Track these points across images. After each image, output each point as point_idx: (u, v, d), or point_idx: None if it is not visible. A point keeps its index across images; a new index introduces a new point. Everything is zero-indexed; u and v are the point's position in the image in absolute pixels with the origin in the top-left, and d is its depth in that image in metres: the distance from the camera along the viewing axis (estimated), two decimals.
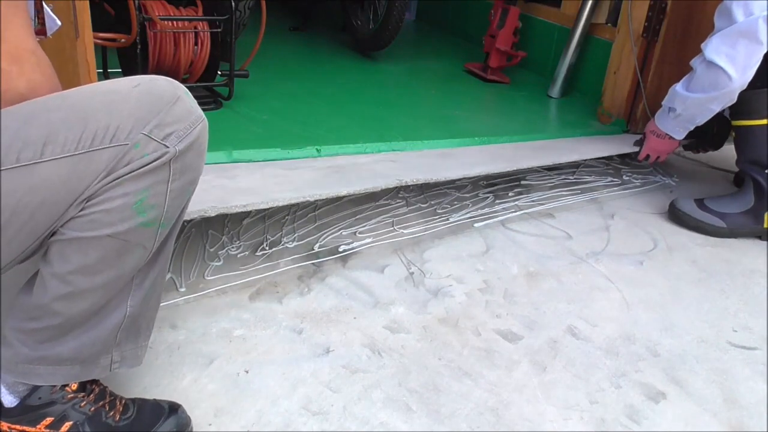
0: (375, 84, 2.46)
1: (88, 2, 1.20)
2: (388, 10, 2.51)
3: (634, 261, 1.62)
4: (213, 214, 1.25)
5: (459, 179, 1.93)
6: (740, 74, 1.56)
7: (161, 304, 1.04)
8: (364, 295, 1.37)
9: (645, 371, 1.22)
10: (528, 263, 1.55)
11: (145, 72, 1.72)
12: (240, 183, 1.42)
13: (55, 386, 0.88)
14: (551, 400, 1.13)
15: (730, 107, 1.71)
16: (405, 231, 1.63)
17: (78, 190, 0.74)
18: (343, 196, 1.65)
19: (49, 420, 0.87)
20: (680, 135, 1.85)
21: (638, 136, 2.07)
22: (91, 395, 0.90)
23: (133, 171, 0.75)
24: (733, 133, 1.82)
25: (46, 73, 0.78)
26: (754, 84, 1.61)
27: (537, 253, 1.61)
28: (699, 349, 1.31)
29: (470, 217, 1.74)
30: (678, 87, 1.72)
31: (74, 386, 0.89)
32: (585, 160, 2.16)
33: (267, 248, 1.48)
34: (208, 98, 1.88)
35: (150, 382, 1.06)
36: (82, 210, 0.76)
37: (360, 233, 1.59)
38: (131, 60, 1.74)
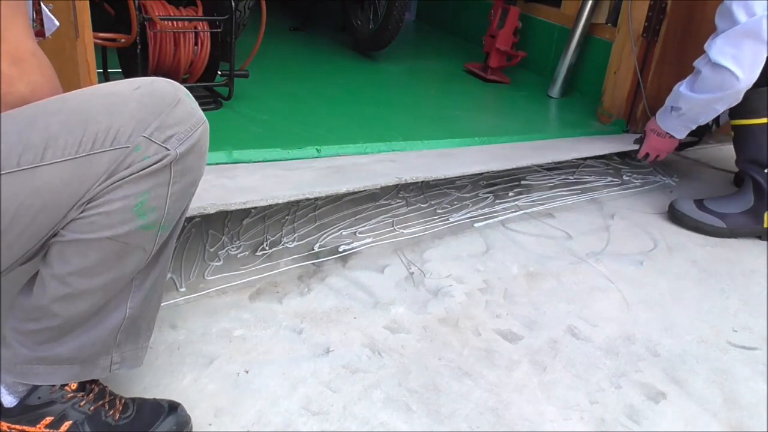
0: (375, 84, 2.46)
1: (88, 2, 1.20)
2: (388, 10, 2.51)
3: (634, 261, 1.62)
4: (212, 211, 1.25)
5: (459, 178, 1.93)
6: (747, 74, 1.56)
7: (161, 304, 1.04)
8: (364, 295, 1.37)
9: (645, 371, 1.22)
10: (528, 263, 1.55)
11: (145, 72, 1.72)
12: (240, 182, 1.42)
13: (54, 386, 0.88)
14: (551, 400, 1.13)
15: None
16: (405, 231, 1.63)
17: (79, 193, 0.74)
18: (343, 195, 1.66)
19: (48, 419, 0.87)
20: (682, 134, 1.85)
21: (638, 136, 2.07)
22: (91, 394, 0.90)
23: (134, 174, 0.75)
24: (732, 133, 1.82)
25: (47, 75, 0.78)
26: (753, 83, 1.61)
27: (537, 253, 1.61)
28: (699, 349, 1.31)
29: (470, 217, 1.74)
30: (682, 88, 1.72)
31: (74, 386, 0.89)
32: (585, 159, 2.16)
33: (267, 248, 1.48)
34: (208, 98, 1.88)
35: (150, 382, 1.06)
36: (82, 212, 0.76)
37: (360, 233, 1.59)
38: (131, 60, 1.74)
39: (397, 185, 1.75)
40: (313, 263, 1.46)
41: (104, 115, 0.74)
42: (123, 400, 0.93)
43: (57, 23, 0.94)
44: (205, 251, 1.45)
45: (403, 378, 1.14)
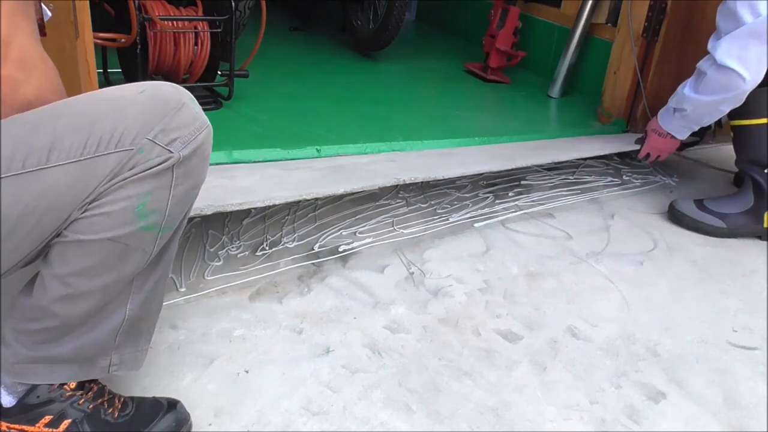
0: (375, 84, 2.46)
1: (88, 2, 1.20)
2: (388, 10, 2.51)
3: (634, 261, 1.62)
4: (210, 212, 1.25)
5: (458, 179, 1.93)
6: (753, 75, 1.55)
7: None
8: (364, 295, 1.37)
9: (645, 371, 1.22)
10: (528, 263, 1.55)
11: (145, 72, 1.72)
12: (239, 183, 1.41)
13: (53, 385, 0.88)
14: (551, 400, 1.13)
15: None
16: (405, 231, 1.63)
17: (83, 195, 0.75)
18: (343, 195, 1.65)
19: (47, 418, 0.87)
20: (684, 135, 1.84)
21: (638, 136, 2.07)
22: (90, 393, 0.90)
23: (137, 174, 0.76)
24: (732, 133, 1.82)
25: (53, 80, 0.79)
26: None
27: (537, 253, 1.61)
28: (699, 349, 1.31)
29: (470, 217, 1.74)
30: (686, 90, 1.70)
31: (72, 384, 0.89)
32: (585, 159, 2.16)
33: (267, 248, 1.48)
34: (208, 98, 1.88)
35: (150, 382, 1.06)
36: (84, 212, 0.76)
37: (360, 233, 1.59)
38: (131, 60, 1.74)
39: (397, 185, 1.75)
40: (313, 263, 1.46)
41: (109, 117, 0.75)
42: (122, 399, 0.93)
43: (50, 13, 0.95)
44: (205, 251, 1.45)
45: (403, 378, 1.14)
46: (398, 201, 1.78)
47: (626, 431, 1.08)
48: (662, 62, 2.13)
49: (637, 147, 2.00)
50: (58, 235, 0.78)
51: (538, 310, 1.38)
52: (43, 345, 0.85)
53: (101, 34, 1.67)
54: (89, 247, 0.78)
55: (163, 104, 0.78)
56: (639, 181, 2.11)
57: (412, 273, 1.46)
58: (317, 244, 1.52)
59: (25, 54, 0.74)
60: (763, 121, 1.69)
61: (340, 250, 1.51)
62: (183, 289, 1.31)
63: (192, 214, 1.22)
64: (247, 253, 1.46)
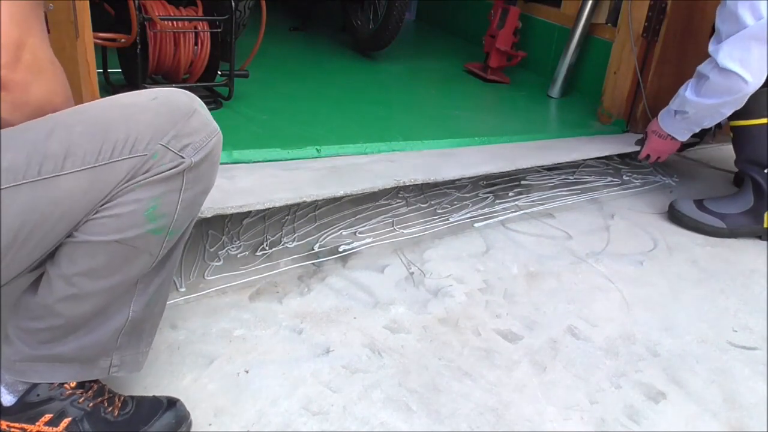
0: (375, 84, 2.46)
1: (88, 2, 1.20)
2: (388, 10, 2.51)
3: (634, 261, 1.62)
4: (209, 215, 1.25)
5: (458, 179, 1.93)
6: (756, 77, 1.55)
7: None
8: (364, 295, 1.37)
9: (645, 371, 1.22)
10: (528, 263, 1.55)
11: (144, 72, 1.72)
12: (238, 184, 1.41)
13: (53, 383, 0.88)
14: (551, 400, 1.13)
15: None
16: (405, 231, 1.63)
17: (98, 199, 0.76)
18: (342, 197, 1.65)
19: (47, 417, 0.87)
20: (684, 137, 1.84)
21: (638, 136, 2.07)
22: (90, 392, 0.90)
23: (148, 178, 0.77)
24: (731, 134, 1.82)
25: (62, 83, 0.80)
26: None
27: (537, 253, 1.61)
28: (699, 349, 1.31)
29: (470, 217, 1.74)
30: (688, 93, 1.70)
31: (73, 383, 0.89)
32: (585, 159, 2.16)
33: (267, 248, 1.48)
34: (208, 98, 1.88)
35: (150, 383, 1.06)
36: (95, 213, 0.77)
37: (360, 233, 1.59)
38: (131, 60, 1.74)
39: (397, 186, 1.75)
40: (313, 263, 1.46)
41: (123, 124, 0.76)
42: (122, 397, 0.94)
43: (51, 6, 0.96)
44: (205, 251, 1.45)
45: (403, 378, 1.14)
46: (398, 201, 1.78)
47: (626, 431, 1.08)
48: (662, 62, 2.13)
49: (638, 148, 2.00)
50: (68, 236, 0.78)
51: (538, 310, 1.38)
52: (45, 344, 0.85)
53: (101, 34, 1.66)
54: (97, 248, 0.79)
55: (175, 111, 0.79)
56: (639, 181, 2.11)
57: (412, 273, 1.46)
58: (317, 244, 1.52)
59: (36, 57, 0.74)
60: (763, 121, 1.69)
61: (340, 250, 1.51)
62: (183, 289, 1.31)
63: None
64: (247, 253, 1.46)
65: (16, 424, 0.87)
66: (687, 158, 2.35)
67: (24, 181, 0.71)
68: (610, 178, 2.10)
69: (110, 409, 0.91)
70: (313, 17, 3.30)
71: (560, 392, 1.15)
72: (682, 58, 2.12)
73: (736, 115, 1.73)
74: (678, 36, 2.11)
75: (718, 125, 1.91)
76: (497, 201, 1.85)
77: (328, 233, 1.57)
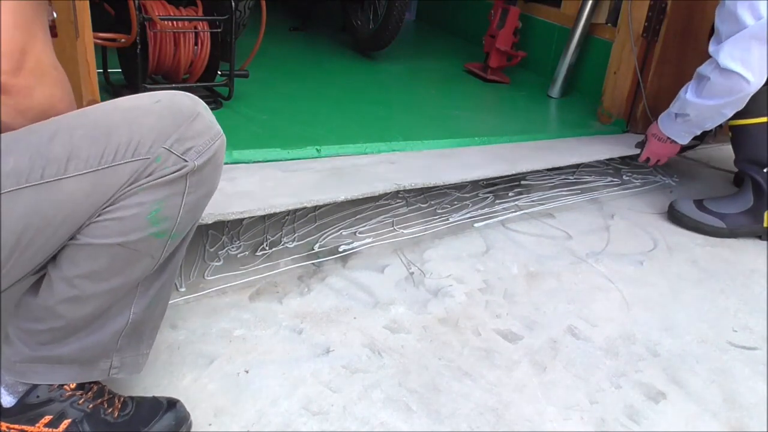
0: (375, 84, 2.46)
1: (88, 2, 1.20)
2: (388, 10, 2.51)
3: (634, 261, 1.62)
4: (210, 222, 1.25)
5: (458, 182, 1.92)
6: (757, 77, 1.55)
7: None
8: (364, 295, 1.37)
9: (645, 371, 1.22)
10: (528, 263, 1.55)
11: (144, 72, 1.72)
12: (239, 186, 1.41)
13: (53, 384, 0.88)
14: (551, 400, 1.13)
15: None
16: (405, 231, 1.63)
17: (101, 203, 0.76)
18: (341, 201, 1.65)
19: (47, 418, 0.87)
20: (685, 140, 1.84)
21: (638, 136, 2.07)
22: (90, 393, 0.90)
23: (152, 182, 0.77)
24: (730, 133, 1.82)
25: (65, 89, 0.80)
26: None
27: (537, 253, 1.61)
28: (699, 349, 1.31)
29: (470, 217, 1.74)
30: (688, 96, 1.69)
31: (72, 384, 0.89)
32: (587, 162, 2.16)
33: (267, 248, 1.48)
34: (208, 98, 1.88)
35: (150, 383, 1.06)
36: (98, 216, 0.77)
37: (360, 233, 1.59)
38: (131, 60, 1.74)
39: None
40: (313, 263, 1.46)
41: (126, 127, 0.76)
42: (122, 398, 0.94)
43: (54, 14, 0.96)
44: (205, 251, 1.45)
45: (403, 378, 1.14)
46: (398, 201, 1.78)
47: (626, 431, 1.08)
48: (662, 62, 2.13)
49: (638, 151, 2.00)
50: (70, 239, 0.79)
51: (538, 310, 1.38)
52: (46, 345, 0.85)
53: (101, 34, 1.66)
54: (99, 251, 0.79)
55: (178, 114, 0.79)
56: (639, 181, 2.11)
57: (412, 273, 1.46)
58: (317, 244, 1.52)
59: (40, 62, 0.75)
60: (762, 120, 1.69)
61: (340, 250, 1.51)
62: (183, 289, 1.31)
63: None
64: (247, 253, 1.46)
65: (16, 426, 0.87)
66: (687, 158, 2.35)
67: (27, 185, 0.72)
68: (610, 178, 2.10)
69: (110, 410, 0.91)
70: (313, 17, 3.30)
71: (560, 392, 1.15)
72: (682, 58, 2.12)
73: (735, 115, 1.73)
74: (678, 36, 2.11)
75: (719, 125, 1.91)
76: (497, 201, 1.85)
77: (328, 233, 1.57)
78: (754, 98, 1.64)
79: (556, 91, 2.55)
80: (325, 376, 1.12)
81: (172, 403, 0.96)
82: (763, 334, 1.37)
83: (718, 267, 1.63)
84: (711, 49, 1.61)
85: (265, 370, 1.12)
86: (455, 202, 1.82)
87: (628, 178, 2.12)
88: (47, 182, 0.73)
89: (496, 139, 2.00)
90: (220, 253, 1.44)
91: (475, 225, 1.71)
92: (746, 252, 1.72)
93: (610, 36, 2.36)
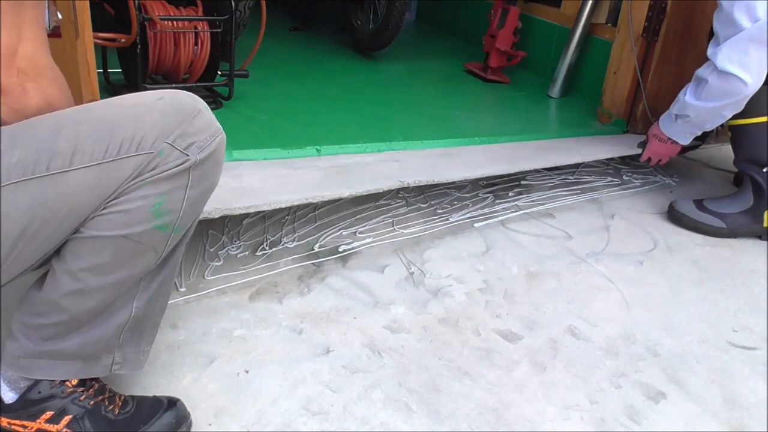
0: (375, 84, 2.46)
1: (88, 2, 1.20)
2: (388, 10, 2.51)
3: (634, 261, 1.62)
4: (216, 216, 1.25)
5: (461, 180, 1.93)
6: (755, 79, 1.55)
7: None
8: (364, 295, 1.37)
9: (645, 371, 1.22)
10: (528, 263, 1.55)
11: (144, 72, 1.72)
12: (243, 183, 1.42)
13: (54, 381, 0.88)
14: (551, 400, 1.13)
15: None
16: (405, 231, 1.63)
17: (105, 196, 0.78)
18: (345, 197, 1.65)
19: (48, 414, 0.88)
20: (686, 141, 1.84)
21: (638, 136, 2.07)
22: (91, 390, 0.91)
23: (155, 175, 0.79)
24: (730, 133, 1.82)
25: (63, 89, 0.82)
26: None
27: (537, 253, 1.61)
28: (699, 349, 1.31)
29: (470, 217, 1.74)
30: (687, 97, 1.70)
31: (74, 381, 0.90)
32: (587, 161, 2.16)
33: (267, 248, 1.48)
34: (208, 98, 1.88)
35: (150, 382, 1.06)
36: (103, 209, 0.79)
37: (360, 233, 1.59)
38: (131, 60, 1.74)
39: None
40: (313, 263, 1.46)
41: (130, 123, 0.78)
42: (123, 397, 0.94)
43: (60, 16, 0.97)
44: (205, 251, 1.45)
45: (403, 378, 1.14)
46: (398, 201, 1.78)
47: (626, 431, 1.08)
48: (662, 62, 2.13)
49: (639, 151, 2.00)
50: (74, 232, 0.80)
51: (538, 310, 1.38)
52: (49, 340, 0.86)
53: (101, 34, 1.66)
54: (103, 243, 0.80)
55: (180, 111, 0.81)
56: (639, 181, 2.11)
57: (412, 273, 1.46)
58: (317, 244, 1.52)
59: (36, 64, 0.76)
60: (762, 119, 1.69)
61: (340, 250, 1.51)
62: (183, 289, 1.31)
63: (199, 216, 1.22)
64: (247, 253, 1.46)
65: (17, 421, 0.88)
66: (687, 158, 2.35)
67: (33, 176, 0.73)
68: (610, 178, 2.10)
69: (111, 407, 0.91)
70: (313, 17, 3.30)
71: (560, 392, 1.15)
72: (682, 58, 2.12)
73: (735, 115, 1.73)
74: (678, 36, 2.11)
75: (720, 126, 1.91)
76: (497, 201, 1.85)
77: (328, 233, 1.57)
78: (754, 98, 1.64)
79: (556, 91, 2.55)
80: (325, 376, 1.12)
81: (173, 402, 0.97)
82: (763, 334, 1.37)
83: (718, 267, 1.63)
84: (709, 51, 1.61)
85: (265, 370, 1.12)
86: (455, 202, 1.82)
87: (628, 178, 2.12)
88: (53, 174, 0.74)
89: (496, 139, 2.00)
90: (220, 253, 1.44)
91: (475, 225, 1.71)
92: (746, 252, 1.72)
93: (610, 36, 2.36)
